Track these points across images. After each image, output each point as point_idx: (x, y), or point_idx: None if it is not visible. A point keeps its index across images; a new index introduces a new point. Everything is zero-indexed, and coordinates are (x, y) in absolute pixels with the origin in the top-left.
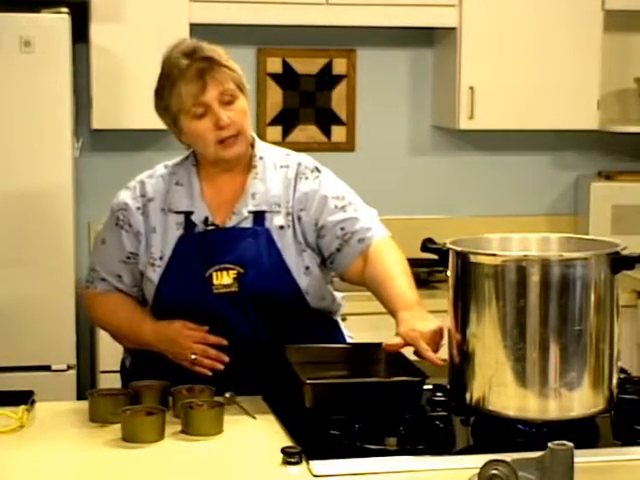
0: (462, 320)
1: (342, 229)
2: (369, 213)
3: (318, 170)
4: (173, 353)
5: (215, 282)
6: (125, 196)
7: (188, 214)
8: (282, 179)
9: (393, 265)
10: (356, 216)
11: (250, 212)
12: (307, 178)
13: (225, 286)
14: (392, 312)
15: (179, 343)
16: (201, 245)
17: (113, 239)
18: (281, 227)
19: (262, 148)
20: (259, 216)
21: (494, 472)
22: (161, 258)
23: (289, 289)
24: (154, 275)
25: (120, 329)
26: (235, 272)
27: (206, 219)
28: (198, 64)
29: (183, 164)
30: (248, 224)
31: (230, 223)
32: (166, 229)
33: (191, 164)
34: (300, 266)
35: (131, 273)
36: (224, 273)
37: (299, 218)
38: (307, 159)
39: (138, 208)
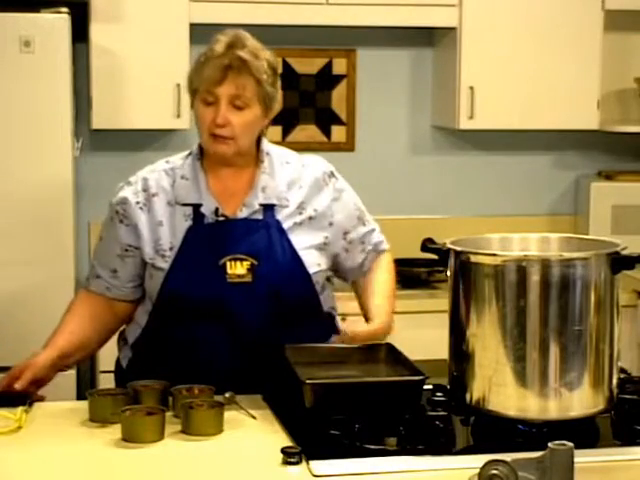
0: (462, 320)
1: (362, 242)
2: (375, 223)
3: (335, 176)
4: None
5: (229, 271)
6: (125, 191)
7: (196, 206)
8: (289, 175)
9: (382, 285)
10: (373, 227)
11: (261, 205)
12: (328, 185)
13: (239, 276)
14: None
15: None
16: (213, 235)
17: (110, 234)
18: (295, 222)
19: (268, 145)
20: (269, 209)
21: (494, 472)
22: (171, 249)
23: (303, 282)
24: (164, 265)
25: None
26: (249, 263)
27: (216, 210)
28: (230, 59)
29: (186, 159)
30: (259, 216)
31: (241, 215)
32: (174, 221)
33: (196, 158)
34: (313, 260)
35: (128, 267)
36: (238, 263)
37: (330, 224)
38: (323, 162)
39: (137, 202)
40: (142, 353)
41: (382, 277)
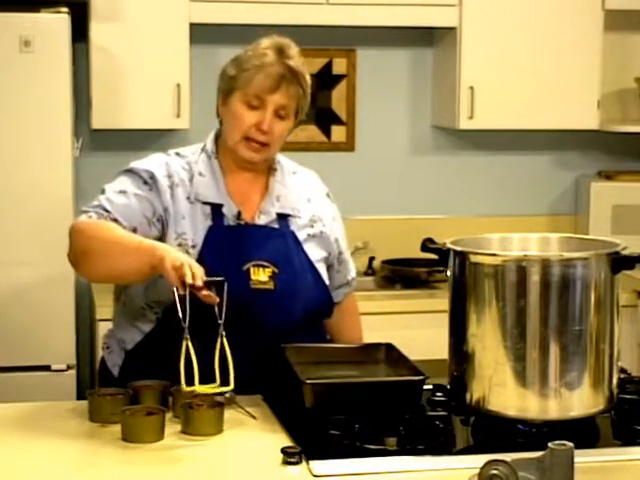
0: (462, 320)
1: (347, 268)
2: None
3: (330, 197)
4: (174, 267)
5: (253, 277)
6: (151, 166)
7: (216, 206)
8: (297, 186)
9: (358, 333)
10: (348, 258)
11: (277, 214)
12: (328, 203)
13: (262, 282)
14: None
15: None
16: (234, 238)
17: (140, 194)
18: (308, 234)
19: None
20: (283, 219)
21: (494, 472)
22: (193, 247)
23: (321, 292)
24: None
25: (119, 240)
26: (271, 270)
27: (239, 213)
28: (284, 67)
29: (200, 156)
30: (275, 225)
31: (260, 221)
32: (195, 218)
33: (213, 157)
34: (324, 272)
35: (150, 235)
36: (260, 270)
37: (335, 241)
38: (320, 180)
39: (169, 186)
40: (140, 360)
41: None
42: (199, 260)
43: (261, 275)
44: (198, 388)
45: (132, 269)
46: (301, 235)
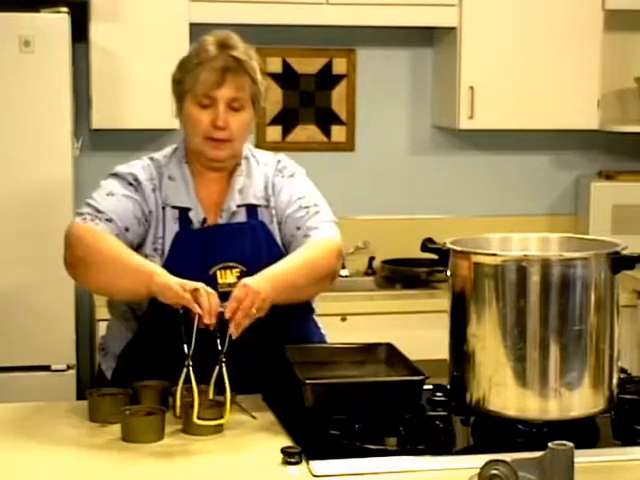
0: (462, 320)
1: (298, 228)
2: (326, 216)
3: (294, 170)
4: (174, 292)
5: (220, 281)
6: (136, 171)
7: (183, 210)
8: (264, 175)
9: (296, 255)
10: (312, 216)
11: (239, 206)
12: (283, 176)
13: (230, 285)
14: None
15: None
16: (200, 243)
17: (128, 194)
18: (271, 222)
19: (249, 150)
20: (251, 210)
21: (494, 472)
22: (162, 253)
23: None
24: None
25: (118, 257)
26: (238, 270)
27: (204, 220)
28: (226, 59)
29: (171, 159)
30: (242, 218)
31: (221, 220)
32: (165, 222)
33: (184, 161)
34: None
35: (139, 234)
36: (227, 272)
37: (279, 219)
38: (287, 159)
39: (153, 189)
40: (129, 365)
41: (300, 249)
42: (164, 266)
43: (228, 277)
44: (196, 421)
45: (129, 289)
46: (272, 224)
